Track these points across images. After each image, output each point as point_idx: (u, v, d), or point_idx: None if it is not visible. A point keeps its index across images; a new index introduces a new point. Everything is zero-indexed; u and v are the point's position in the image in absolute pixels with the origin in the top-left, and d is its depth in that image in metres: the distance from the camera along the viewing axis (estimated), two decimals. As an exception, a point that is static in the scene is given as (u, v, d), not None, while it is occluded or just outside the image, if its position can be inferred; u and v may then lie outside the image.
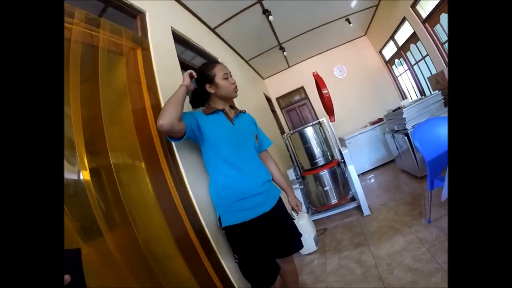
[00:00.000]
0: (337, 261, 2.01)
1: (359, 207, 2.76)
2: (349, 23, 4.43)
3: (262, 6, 3.05)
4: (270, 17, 3.18)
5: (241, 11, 3.00)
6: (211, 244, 1.28)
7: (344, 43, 5.66)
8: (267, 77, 5.99)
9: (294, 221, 1.44)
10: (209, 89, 1.28)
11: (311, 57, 5.78)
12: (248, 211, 1.22)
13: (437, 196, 2.00)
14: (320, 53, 5.74)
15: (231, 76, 1.32)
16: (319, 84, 3.14)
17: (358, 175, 4.28)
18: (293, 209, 1.53)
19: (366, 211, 2.65)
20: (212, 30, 3.08)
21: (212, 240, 1.29)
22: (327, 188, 2.78)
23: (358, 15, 4.37)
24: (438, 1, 3.01)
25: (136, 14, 1.59)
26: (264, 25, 3.56)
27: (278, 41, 4.27)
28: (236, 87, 1.31)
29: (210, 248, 1.28)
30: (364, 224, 2.47)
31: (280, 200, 1.39)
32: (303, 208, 2.81)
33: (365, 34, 5.59)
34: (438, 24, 3.26)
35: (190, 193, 1.29)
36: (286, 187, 1.54)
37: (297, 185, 2.90)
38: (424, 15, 3.44)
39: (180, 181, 1.30)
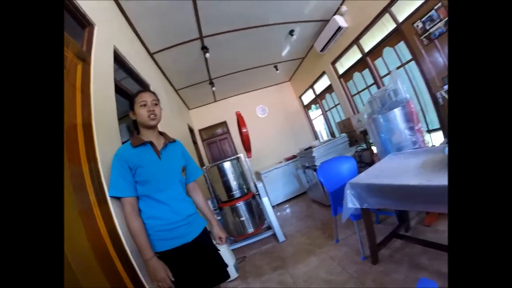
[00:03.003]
0: (258, 284, 2.15)
1: (274, 235, 3.02)
2: (277, 69, 5.15)
3: (202, 42, 3.29)
4: (207, 54, 3.43)
5: (182, 43, 3.16)
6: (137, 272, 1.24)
7: (269, 86, 6.40)
8: (192, 108, 6.10)
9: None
10: (132, 115, 1.32)
11: (237, 95, 6.24)
12: (170, 241, 1.25)
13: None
14: (246, 92, 6.27)
15: (156, 104, 1.30)
16: (240, 123, 3.46)
17: (273, 206, 4.65)
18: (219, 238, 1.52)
19: (281, 237, 2.93)
20: (150, 54, 3.10)
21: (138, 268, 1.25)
22: (243, 218, 2.95)
23: (285, 64, 5.14)
24: (353, 62, 3.95)
25: (86, 26, 1.54)
26: (200, 60, 3.79)
27: (210, 76, 4.54)
28: (151, 114, 1.26)
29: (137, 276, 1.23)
30: (281, 250, 2.71)
31: (205, 230, 1.41)
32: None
33: (289, 80, 6.50)
34: (351, 80, 4.21)
35: (115, 220, 1.23)
36: (211, 217, 1.54)
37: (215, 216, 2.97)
38: (341, 72, 4.38)
39: (105, 203, 1.23)
